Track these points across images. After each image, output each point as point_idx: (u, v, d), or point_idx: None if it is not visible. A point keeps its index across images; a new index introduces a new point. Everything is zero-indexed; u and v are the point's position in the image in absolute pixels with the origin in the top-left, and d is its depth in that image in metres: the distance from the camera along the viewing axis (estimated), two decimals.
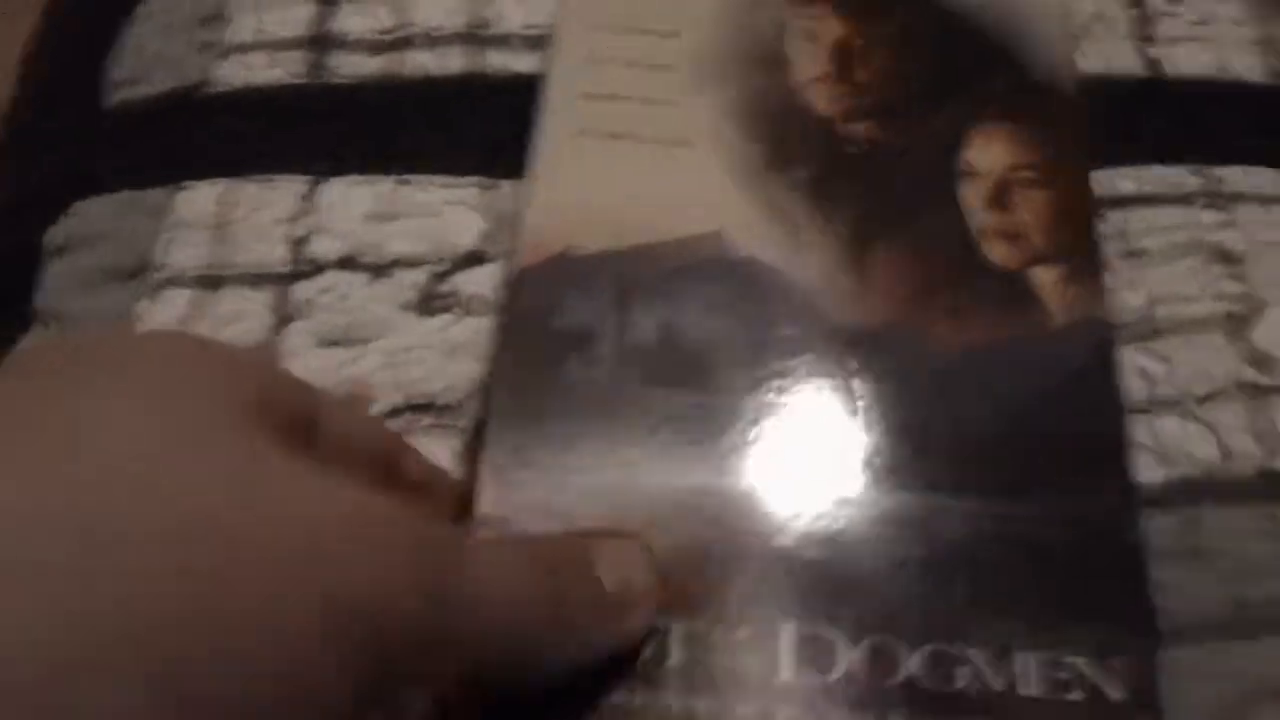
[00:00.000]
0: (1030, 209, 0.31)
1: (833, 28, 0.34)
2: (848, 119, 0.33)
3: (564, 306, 0.30)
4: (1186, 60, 0.38)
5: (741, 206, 0.32)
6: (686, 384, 0.29)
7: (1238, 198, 0.35)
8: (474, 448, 0.31)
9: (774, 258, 0.31)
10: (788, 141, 0.33)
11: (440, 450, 0.31)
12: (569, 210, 0.31)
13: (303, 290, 0.34)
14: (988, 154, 0.32)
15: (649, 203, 0.32)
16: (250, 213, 0.35)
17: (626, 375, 0.29)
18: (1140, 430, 0.32)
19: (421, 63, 0.37)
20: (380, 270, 0.34)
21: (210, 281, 0.34)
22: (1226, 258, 0.34)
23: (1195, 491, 0.31)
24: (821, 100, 0.33)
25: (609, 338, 0.29)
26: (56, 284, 0.35)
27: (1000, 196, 0.32)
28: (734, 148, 0.33)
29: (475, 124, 0.36)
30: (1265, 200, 0.35)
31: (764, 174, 0.32)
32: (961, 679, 0.25)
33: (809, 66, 0.34)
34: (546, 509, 0.27)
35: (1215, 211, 0.35)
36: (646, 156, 0.32)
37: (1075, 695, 0.25)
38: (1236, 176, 0.35)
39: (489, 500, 0.27)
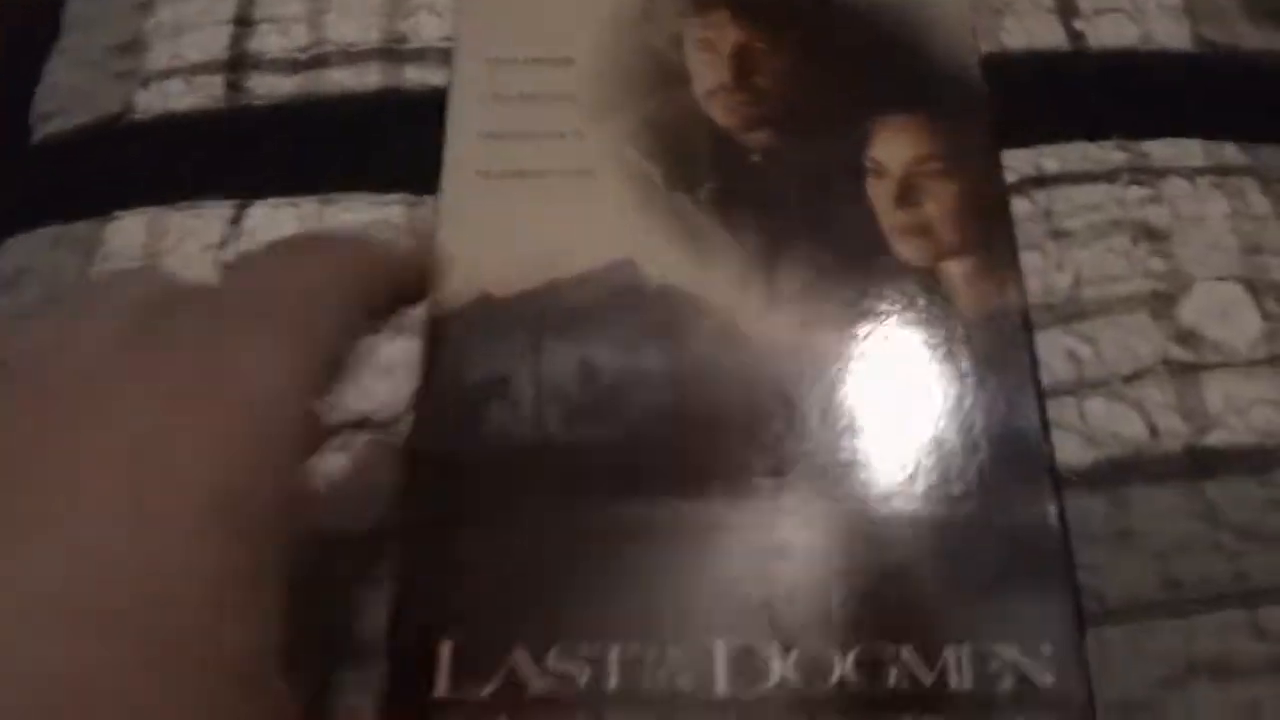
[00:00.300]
0: (938, 203, 0.32)
1: (731, 35, 0.35)
2: (749, 128, 0.33)
3: (480, 355, 0.30)
4: (1111, 32, 0.38)
5: (651, 231, 0.32)
6: (605, 419, 0.29)
7: (1164, 172, 0.36)
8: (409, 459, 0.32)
9: (686, 280, 0.31)
10: (691, 158, 0.33)
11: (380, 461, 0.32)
12: (479, 255, 0.32)
13: None
14: (893, 148, 0.33)
15: (559, 238, 0.32)
16: (179, 241, 0.36)
17: (547, 416, 0.30)
18: (1068, 412, 0.33)
19: (339, 80, 0.38)
20: None
21: None
22: (1152, 234, 0.35)
23: (1124, 471, 0.32)
24: (722, 111, 0.34)
25: (527, 380, 0.30)
26: None
27: (907, 193, 0.32)
28: (638, 171, 0.33)
29: (396, 140, 0.37)
30: (1191, 173, 0.36)
31: (670, 195, 0.32)
32: (892, 678, 0.26)
33: (708, 77, 0.34)
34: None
35: (1140, 187, 0.35)
36: (552, 191, 0.33)
37: (1005, 685, 0.26)
38: (1162, 150, 0.36)
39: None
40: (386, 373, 0.33)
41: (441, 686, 0.26)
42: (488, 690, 0.25)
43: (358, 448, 0.32)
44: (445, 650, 0.26)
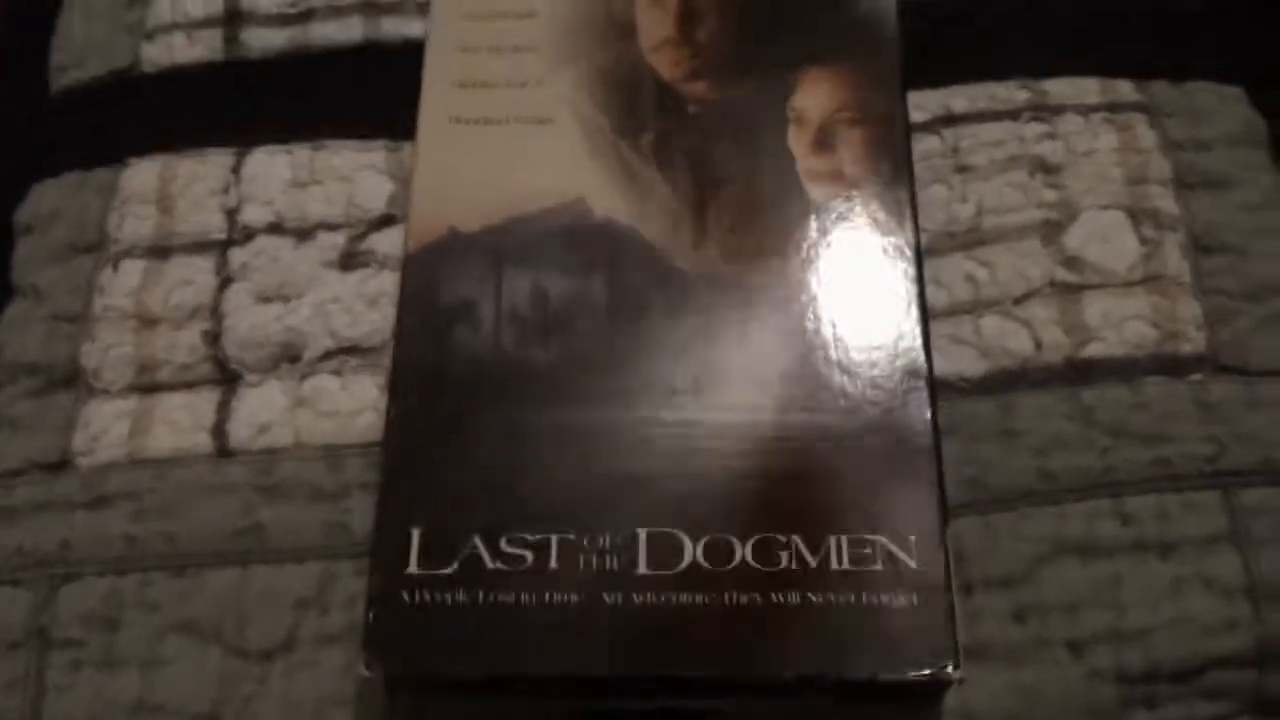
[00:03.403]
0: (849, 148, 0.39)
1: None
2: (689, 80, 0.41)
3: (448, 283, 0.38)
4: None
5: (599, 173, 0.39)
6: (553, 338, 0.37)
7: (1060, 109, 0.43)
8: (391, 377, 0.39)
9: (627, 217, 0.39)
10: (635, 108, 0.40)
11: (367, 386, 0.40)
12: (448, 194, 0.39)
13: (239, 255, 0.42)
14: (813, 98, 0.40)
15: (519, 179, 0.39)
16: (187, 186, 0.43)
17: (505, 336, 0.37)
18: (965, 328, 0.40)
19: (325, 33, 0.45)
20: (304, 234, 0.42)
21: (159, 251, 0.43)
22: (1047, 168, 0.42)
23: (1011, 379, 0.39)
24: (665, 65, 0.41)
25: (489, 304, 0.38)
26: (27, 259, 0.44)
27: (823, 140, 0.39)
28: (589, 119, 0.40)
29: (376, 90, 0.44)
30: (1085, 110, 0.43)
31: (616, 140, 0.40)
32: (784, 560, 0.34)
33: (655, 32, 0.41)
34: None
35: (1039, 124, 0.43)
36: (515, 136, 0.40)
37: (877, 566, 0.34)
38: (1061, 88, 0.43)
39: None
40: (372, 303, 0.41)
41: (413, 564, 0.34)
42: (451, 568, 0.34)
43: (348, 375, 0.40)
44: (416, 536, 0.34)
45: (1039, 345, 0.40)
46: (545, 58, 0.41)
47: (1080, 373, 0.39)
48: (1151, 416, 0.39)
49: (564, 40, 0.42)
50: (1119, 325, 0.40)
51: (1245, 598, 0.36)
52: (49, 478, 0.40)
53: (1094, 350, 0.39)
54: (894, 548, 0.34)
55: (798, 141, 0.40)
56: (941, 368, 0.39)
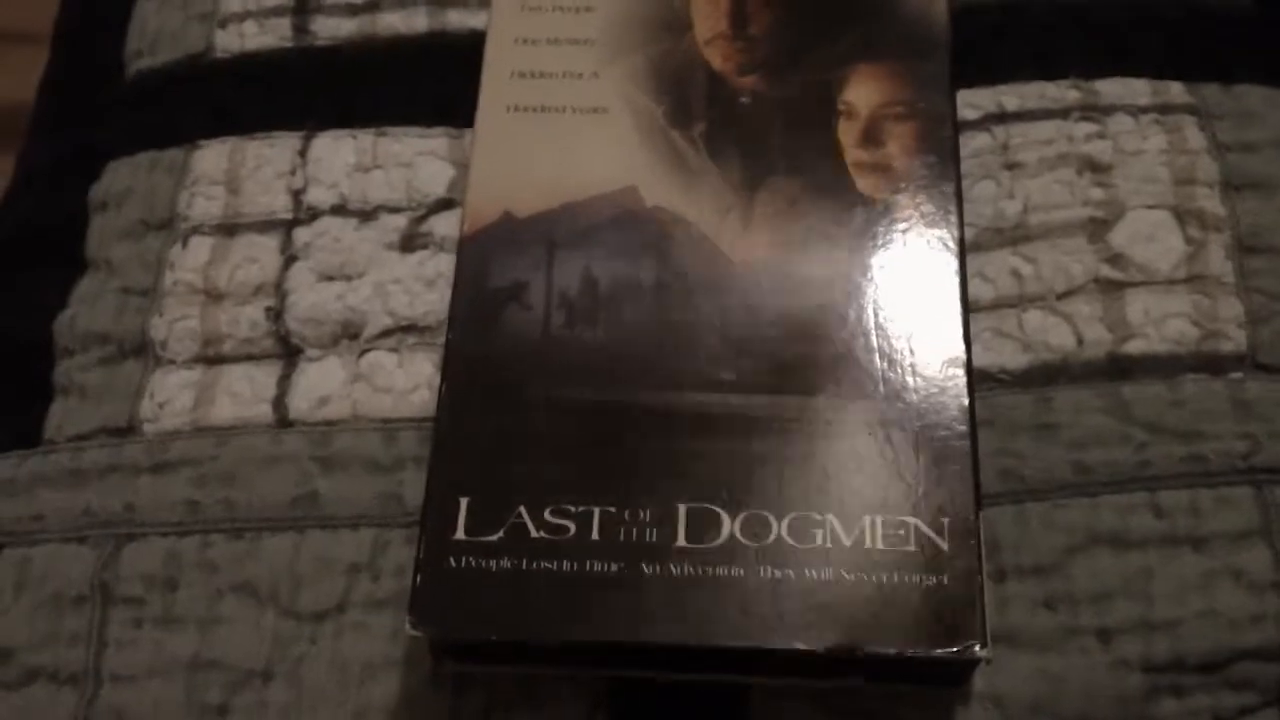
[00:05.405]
0: (896, 142, 0.42)
1: None
2: (740, 73, 0.43)
3: (501, 265, 0.41)
4: None
5: (650, 162, 0.42)
6: (601, 321, 0.40)
7: (1110, 109, 0.45)
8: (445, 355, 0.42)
9: (677, 206, 0.42)
10: (688, 99, 0.43)
11: (423, 364, 0.43)
12: (504, 180, 0.42)
13: (303, 235, 0.45)
14: (863, 92, 0.43)
15: (572, 167, 0.42)
16: (255, 168, 0.47)
17: (554, 318, 0.40)
18: (1009, 322, 0.42)
19: (391, 23, 0.49)
20: (366, 216, 0.45)
21: (227, 230, 0.46)
22: (1095, 167, 0.44)
23: (1051, 374, 0.42)
24: (718, 57, 0.44)
25: (540, 287, 0.41)
26: (101, 235, 0.47)
27: (871, 133, 0.42)
28: (642, 109, 0.43)
29: (439, 79, 0.47)
30: (1136, 111, 0.45)
31: (668, 130, 0.43)
32: (819, 538, 0.37)
33: (709, 25, 0.44)
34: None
35: (1088, 123, 0.45)
36: (570, 125, 0.43)
37: (910, 547, 0.36)
38: (1112, 89, 0.45)
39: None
40: (430, 284, 0.44)
41: (460, 531, 0.37)
42: (496, 536, 0.37)
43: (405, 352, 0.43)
44: (464, 504, 0.37)
45: (1081, 340, 0.42)
46: (601, 50, 0.44)
47: (1120, 369, 0.42)
48: (1188, 413, 0.41)
49: (620, 33, 0.45)
50: (1160, 322, 0.42)
51: (1274, 592, 0.38)
52: (116, 442, 0.43)
53: (1135, 347, 0.42)
54: (927, 530, 0.37)
55: (846, 134, 0.42)
56: (984, 360, 0.41)
